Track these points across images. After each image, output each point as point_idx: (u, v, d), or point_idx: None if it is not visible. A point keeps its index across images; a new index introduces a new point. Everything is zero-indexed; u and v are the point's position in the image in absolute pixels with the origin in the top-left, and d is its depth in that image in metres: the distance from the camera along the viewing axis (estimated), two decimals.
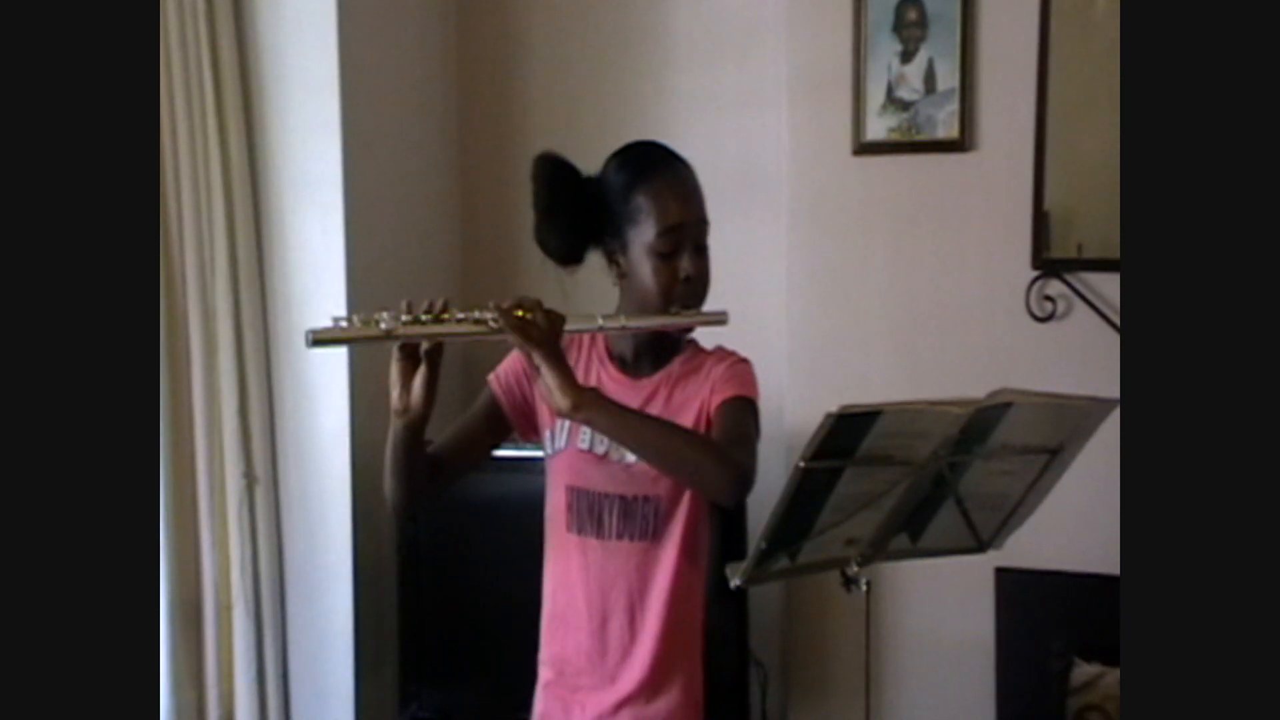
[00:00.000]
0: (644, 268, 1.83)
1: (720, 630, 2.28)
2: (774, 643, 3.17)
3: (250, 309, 2.88)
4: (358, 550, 2.99)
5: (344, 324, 1.71)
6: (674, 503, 1.86)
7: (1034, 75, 2.89)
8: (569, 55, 3.39)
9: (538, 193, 1.87)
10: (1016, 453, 1.81)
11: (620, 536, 1.87)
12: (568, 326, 1.74)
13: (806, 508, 1.74)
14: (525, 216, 1.90)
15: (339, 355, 2.88)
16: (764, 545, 1.76)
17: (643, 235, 1.82)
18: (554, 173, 1.87)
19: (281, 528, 2.98)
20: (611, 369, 1.91)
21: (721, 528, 2.01)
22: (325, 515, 2.98)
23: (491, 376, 1.96)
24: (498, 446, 1.99)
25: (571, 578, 1.91)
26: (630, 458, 1.82)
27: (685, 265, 1.82)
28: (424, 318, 1.71)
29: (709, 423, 1.82)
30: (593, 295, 1.91)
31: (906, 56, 2.99)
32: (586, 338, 1.92)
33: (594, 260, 1.89)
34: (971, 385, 1.85)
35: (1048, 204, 2.91)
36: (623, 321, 1.83)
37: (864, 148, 3.03)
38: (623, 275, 1.87)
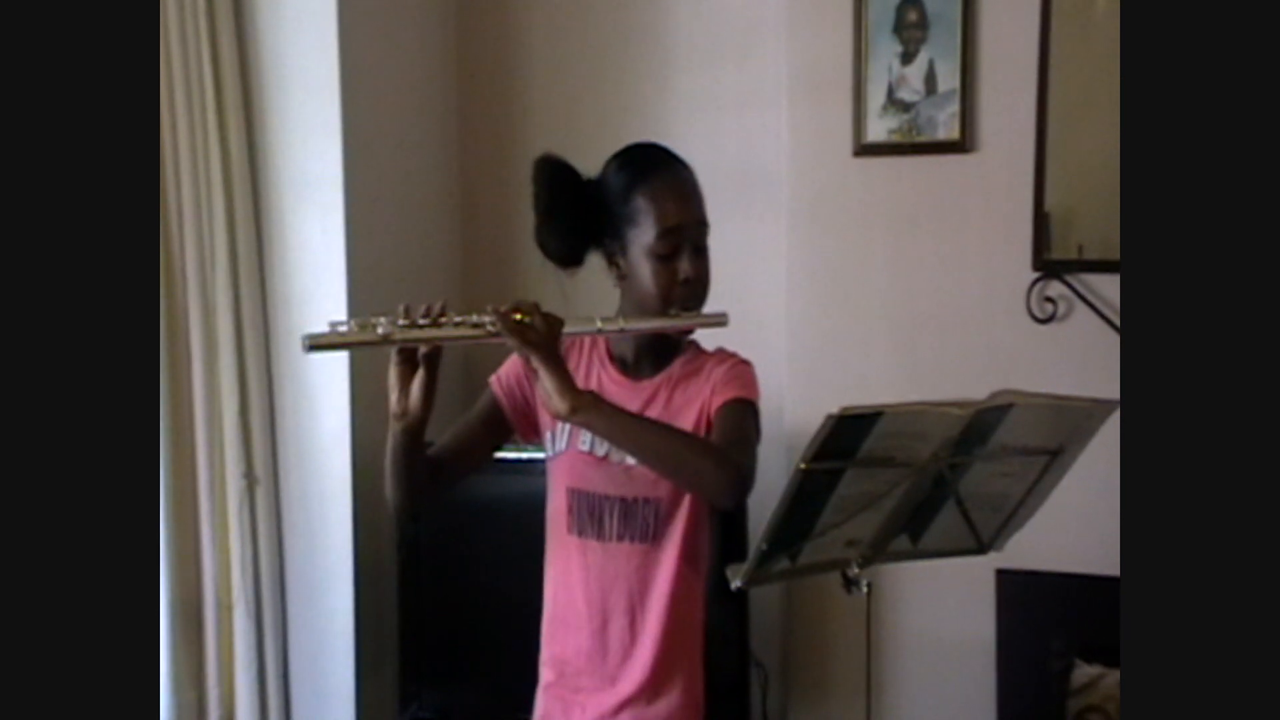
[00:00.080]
0: (643, 269, 1.83)
1: (721, 631, 2.28)
2: (774, 644, 3.17)
3: (250, 309, 2.88)
4: (358, 550, 2.99)
5: (340, 328, 1.71)
6: (674, 505, 1.86)
7: (1034, 76, 2.89)
8: (569, 55, 3.39)
9: (538, 194, 1.86)
10: (1017, 454, 1.81)
11: (620, 538, 1.87)
12: (566, 329, 1.74)
13: (807, 509, 1.74)
14: (525, 217, 1.90)
15: (339, 356, 2.88)
16: (764, 546, 1.76)
17: (642, 237, 1.82)
18: (554, 174, 1.86)
19: (282, 528, 2.98)
20: (612, 371, 1.91)
21: (722, 529, 2.01)
22: (326, 515, 2.98)
23: (493, 378, 1.96)
24: (499, 448, 1.99)
25: (572, 579, 1.91)
26: (630, 460, 1.82)
27: (685, 267, 1.82)
28: (421, 322, 1.71)
29: (709, 424, 1.82)
30: (593, 297, 1.90)
31: (907, 57, 2.99)
32: (587, 340, 1.92)
33: (595, 262, 1.89)
34: (972, 386, 1.84)
35: (1048, 205, 2.91)
36: (621, 324, 1.83)
37: (864, 149, 3.03)
38: (622, 277, 1.87)
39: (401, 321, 1.71)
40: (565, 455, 1.91)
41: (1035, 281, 2.94)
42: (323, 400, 2.96)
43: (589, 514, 1.89)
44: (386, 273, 3.07)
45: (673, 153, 1.89)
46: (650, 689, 1.88)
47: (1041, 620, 2.88)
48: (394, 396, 1.77)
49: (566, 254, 1.87)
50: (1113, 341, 2.84)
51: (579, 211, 1.85)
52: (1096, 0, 2.86)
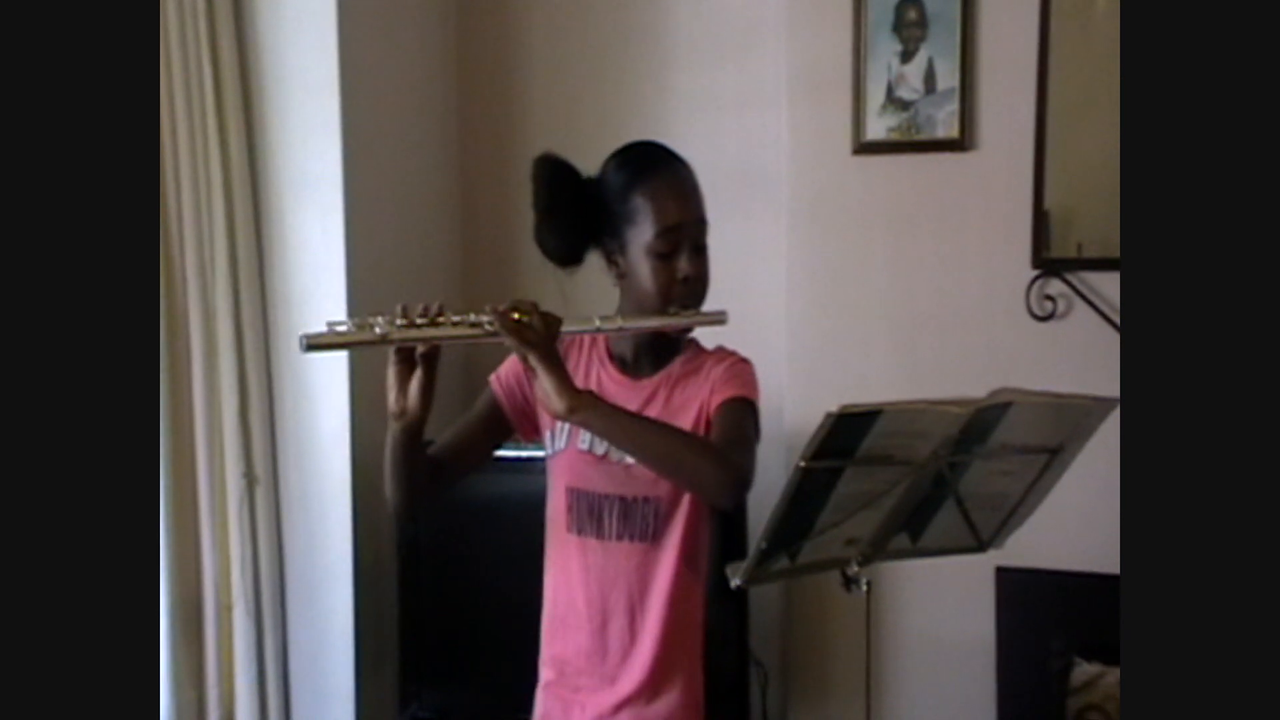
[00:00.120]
0: (642, 268, 1.83)
1: (720, 630, 2.28)
2: (774, 643, 3.17)
3: (250, 309, 2.88)
4: (358, 550, 2.99)
5: (338, 328, 1.71)
6: (674, 504, 1.86)
7: (1034, 75, 2.89)
8: (569, 55, 3.39)
9: (537, 193, 1.86)
10: (1016, 452, 1.81)
11: (620, 537, 1.87)
12: (564, 328, 1.74)
13: (806, 508, 1.74)
14: (525, 217, 1.90)
15: (339, 355, 2.88)
16: (764, 545, 1.76)
17: (641, 235, 1.82)
18: (553, 174, 1.86)
19: (282, 528, 2.98)
20: (612, 370, 1.91)
21: (722, 528, 2.01)
22: (325, 515, 2.98)
23: (493, 377, 1.96)
24: (499, 447, 1.99)
25: (572, 578, 1.91)
26: (630, 459, 1.82)
27: (684, 266, 1.82)
28: (419, 321, 1.71)
29: (708, 423, 1.82)
30: (593, 296, 1.91)
31: (906, 56, 2.99)
32: (587, 339, 1.92)
33: (594, 261, 1.89)
34: (971, 385, 1.84)
35: (1048, 203, 2.91)
36: (620, 323, 1.83)
37: (864, 147, 3.03)
38: (622, 276, 1.87)
39: (399, 321, 1.71)
40: (565, 454, 1.91)
41: (1035, 280, 2.94)
42: (322, 400, 2.96)
43: (588, 513, 1.89)
44: (386, 272, 3.07)
45: (672, 151, 1.89)
46: (650, 688, 1.88)
47: (1041, 618, 2.88)
48: (392, 396, 1.77)
49: (566, 253, 1.87)
50: (1112, 340, 2.84)
51: (578, 210, 1.85)
52: (1096, 0, 2.86)
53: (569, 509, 1.90)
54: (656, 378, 1.89)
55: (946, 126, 2.98)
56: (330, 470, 2.97)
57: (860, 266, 3.08)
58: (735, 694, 2.96)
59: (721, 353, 1.89)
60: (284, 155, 2.93)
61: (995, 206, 2.97)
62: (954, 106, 2.96)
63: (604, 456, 1.86)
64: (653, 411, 1.85)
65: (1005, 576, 2.89)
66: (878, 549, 1.88)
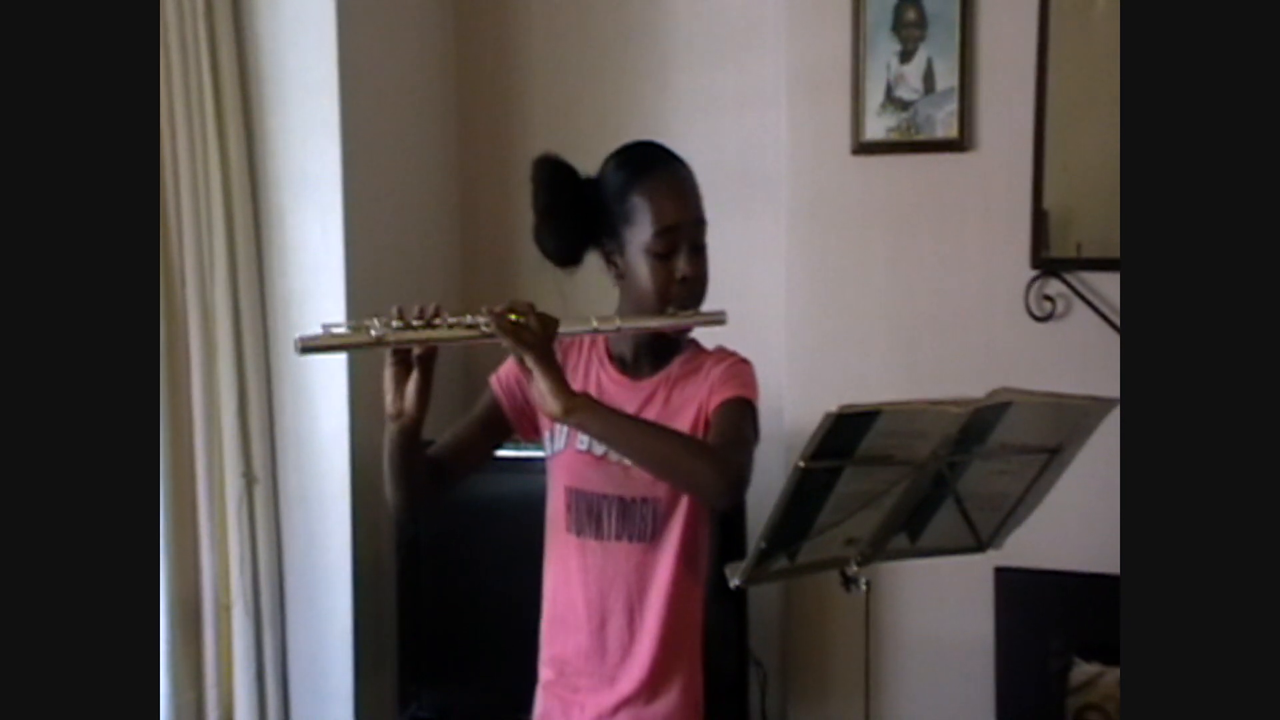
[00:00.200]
0: (641, 268, 1.82)
1: (720, 630, 2.28)
2: (774, 643, 3.17)
3: (249, 309, 2.88)
4: (357, 550, 2.99)
5: (334, 330, 1.71)
6: (673, 504, 1.85)
7: (1033, 75, 2.89)
8: (568, 55, 3.39)
9: (536, 194, 1.86)
10: (1016, 452, 1.81)
11: (619, 537, 1.87)
12: (562, 329, 1.74)
13: (806, 507, 1.74)
14: (525, 217, 1.90)
15: (338, 356, 2.88)
16: (763, 545, 1.76)
17: (639, 236, 1.82)
18: (553, 174, 1.86)
19: (281, 528, 2.98)
20: (611, 370, 1.91)
21: (721, 528, 2.01)
22: (324, 515, 2.98)
23: (493, 378, 1.96)
24: (500, 447, 1.99)
25: (571, 579, 1.91)
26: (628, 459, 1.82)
27: (682, 266, 1.82)
28: (415, 323, 1.71)
29: (707, 424, 1.82)
30: (594, 296, 1.90)
31: (905, 56, 2.99)
32: (587, 339, 1.92)
33: (595, 261, 1.89)
34: (971, 385, 1.84)
35: (1047, 203, 2.91)
36: (617, 323, 1.83)
37: (863, 147, 3.03)
38: (620, 276, 1.87)
39: (395, 323, 1.71)
40: (564, 454, 1.91)
41: (1034, 280, 2.94)
42: (321, 400, 2.95)
43: (587, 513, 1.89)
44: (386, 273, 3.07)
45: (670, 151, 1.89)
46: (649, 688, 1.88)
47: (1040, 618, 2.88)
48: (389, 398, 1.77)
49: (564, 253, 1.87)
50: (1111, 340, 2.84)
51: (577, 211, 1.85)
52: (1096, 0, 2.86)
53: (568, 509, 1.90)
54: (656, 378, 1.89)
55: (946, 126, 2.98)
56: (329, 470, 2.97)
57: (860, 266, 3.08)
58: (735, 694, 2.96)
59: (721, 353, 1.89)
60: (283, 155, 2.93)
61: (994, 206, 2.97)
62: (953, 106, 2.96)
63: (603, 457, 1.86)
64: (652, 412, 1.85)
65: (1004, 576, 2.89)
66: (877, 549, 1.88)
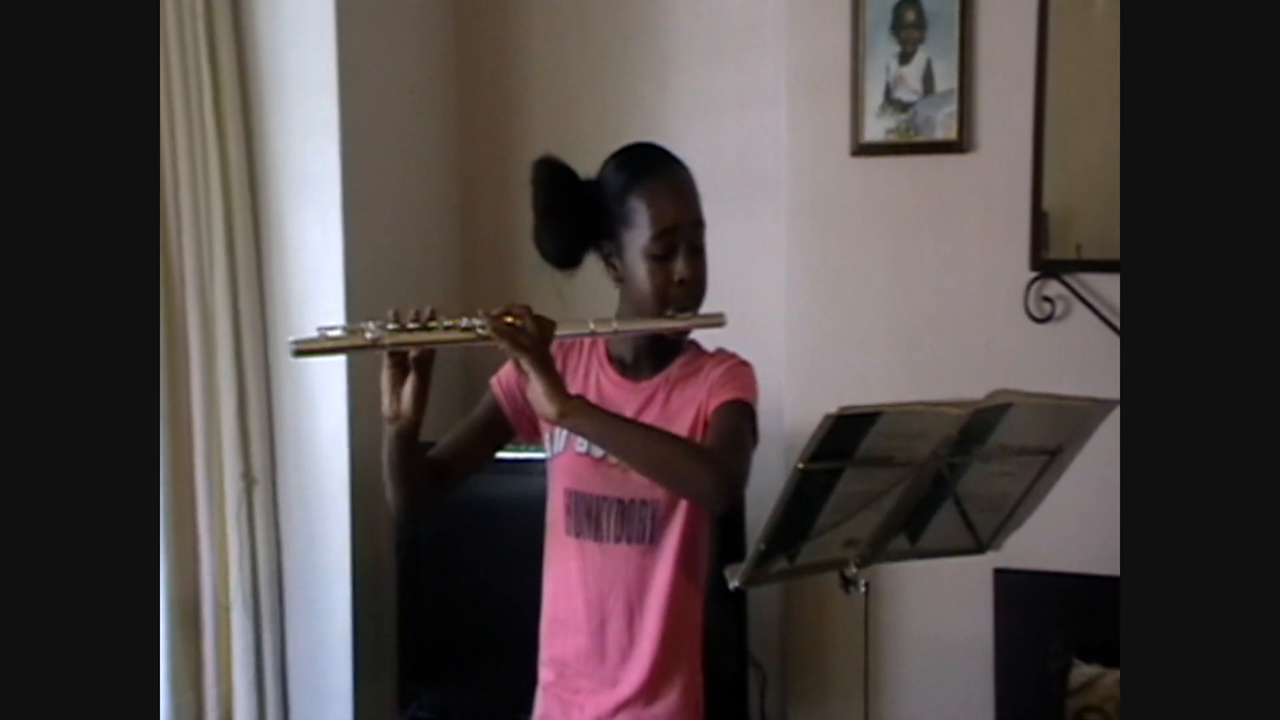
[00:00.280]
0: (639, 270, 1.82)
1: (719, 632, 2.28)
2: (773, 644, 3.17)
3: (249, 310, 2.87)
4: (356, 551, 2.99)
5: (330, 333, 1.71)
6: (671, 506, 1.85)
7: (1032, 76, 2.89)
8: (568, 55, 3.39)
9: (536, 196, 1.86)
10: (1015, 453, 1.82)
11: (618, 540, 1.87)
12: (559, 331, 1.74)
13: (805, 509, 1.74)
14: (524, 217, 1.90)
15: (338, 356, 2.88)
16: (763, 547, 1.76)
17: (637, 238, 1.82)
18: (553, 176, 1.86)
19: (280, 529, 2.97)
20: (611, 372, 1.91)
21: (720, 530, 2.01)
22: (324, 516, 2.98)
23: (493, 380, 1.96)
24: (500, 449, 1.99)
25: (570, 580, 1.91)
26: None
27: (680, 268, 1.82)
28: (411, 326, 1.71)
29: (705, 426, 1.82)
30: (594, 298, 1.90)
31: (905, 57, 2.99)
32: (587, 341, 1.92)
33: (596, 263, 1.89)
34: (970, 386, 1.84)
35: (1046, 205, 2.91)
36: (614, 325, 1.82)
37: (862, 149, 3.03)
38: (620, 279, 1.87)
39: (391, 326, 1.71)
40: (564, 456, 1.91)
41: (1033, 281, 2.94)
42: (321, 401, 2.95)
43: (586, 515, 1.89)
44: (385, 273, 3.07)
45: (669, 152, 1.89)
46: (649, 690, 1.87)
47: (1040, 620, 2.88)
48: (386, 400, 1.77)
49: (564, 255, 1.87)
50: (1111, 341, 2.84)
51: (577, 213, 1.85)
52: (1095, 0, 2.87)
53: (568, 511, 1.90)
54: (655, 380, 1.88)
55: (945, 128, 2.98)
56: (329, 471, 2.97)
57: (859, 268, 3.08)
58: (734, 695, 2.96)
59: (721, 355, 1.89)
60: (282, 156, 2.93)
61: (994, 208, 2.97)
62: (952, 108, 2.96)
63: (602, 459, 1.86)
64: (651, 414, 1.85)
65: (1004, 578, 2.89)
66: (877, 550, 1.88)
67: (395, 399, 1.76)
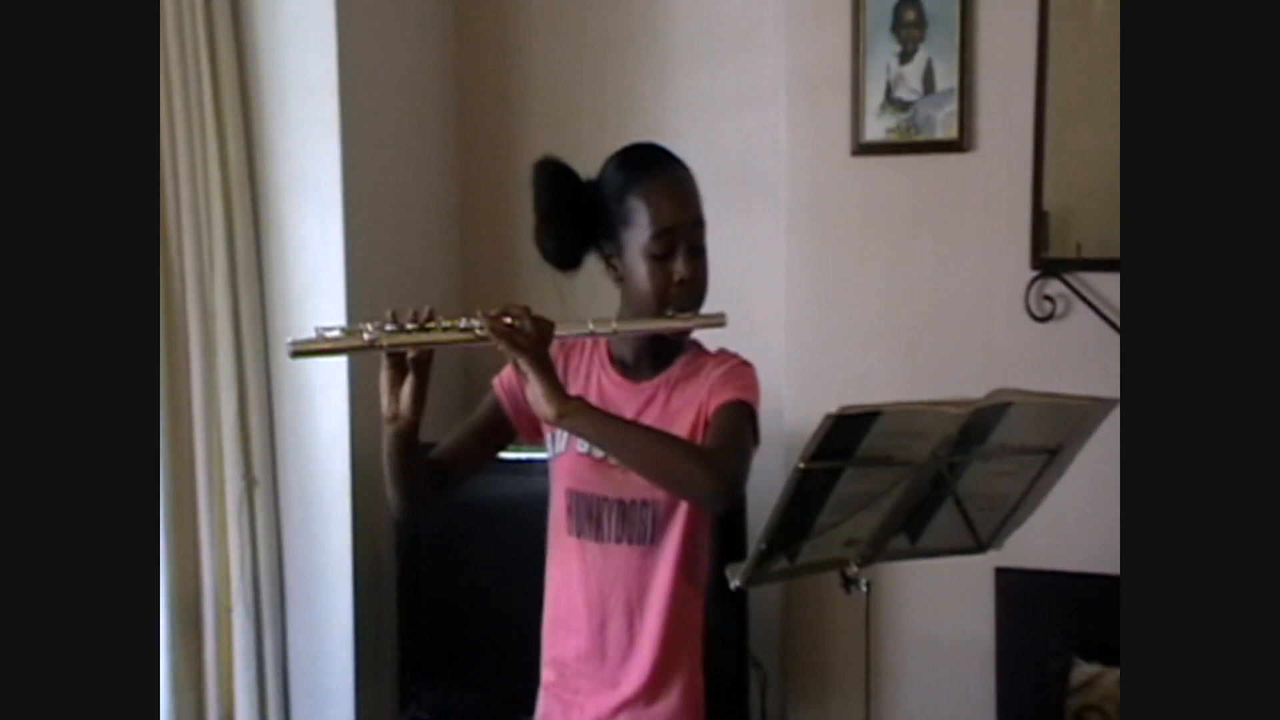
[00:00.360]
0: (639, 270, 1.82)
1: (720, 632, 2.28)
2: (774, 644, 3.17)
3: (249, 311, 2.88)
4: (357, 552, 2.99)
5: (328, 334, 1.71)
6: (672, 507, 1.85)
7: (1032, 75, 2.89)
8: (567, 56, 3.39)
9: (537, 197, 1.86)
10: (1015, 453, 1.82)
11: (619, 540, 1.87)
12: (558, 332, 1.74)
13: (806, 508, 1.74)
14: (524, 218, 1.90)
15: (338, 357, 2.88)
16: (763, 546, 1.76)
17: (637, 238, 1.82)
18: (553, 177, 1.86)
19: (281, 529, 2.98)
20: (612, 373, 1.91)
21: (721, 530, 2.00)
22: (325, 517, 2.98)
23: (495, 380, 1.96)
24: (503, 449, 1.99)
25: (571, 580, 1.91)
26: None
27: (679, 268, 1.81)
28: (409, 327, 1.71)
29: (706, 426, 1.81)
30: (594, 298, 1.90)
31: (905, 57, 2.99)
32: (589, 341, 1.92)
33: (596, 263, 1.89)
34: (970, 385, 1.84)
35: (1046, 204, 2.91)
36: (613, 326, 1.82)
37: (863, 148, 3.03)
38: (620, 279, 1.87)
39: (389, 327, 1.71)
40: (565, 457, 1.91)
41: (1034, 280, 2.94)
42: (321, 402, 2.95)
43: (587, 515, 1.89)
44: (385, 274, 3.07)
45: (669, 152, 1.89)
46: (649, 690, 1.87)
47: (1040, 619, 2.88)
48: (385, 401, 1.77)
49: (564, 256, 1.87)
50: (1111, 340, 2.84)
51: (577, 213, 1.85)
52: (1095, 0, 2.86)
53: (569, 511, 1.90)
54: (656, 380, 1.88)
55: (945, 127, 2.98)
56: (329, 472, 2.97)
57: (859, 267, 3.08)
58: (735, 695, 2.96)
59: (723, 355, 1.89)
60: (283, 157, 2.93)
61: (994, 207, 2.97)
62: (953, 107, 2.96)
63: (602, 460, 1.86)
64: (651, 414, 1.85)
65: (1004, 577, 2.89)
66: (877, 550, 1.88)
67: (394, 399, 1.76)
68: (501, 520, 2.80)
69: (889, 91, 3.00)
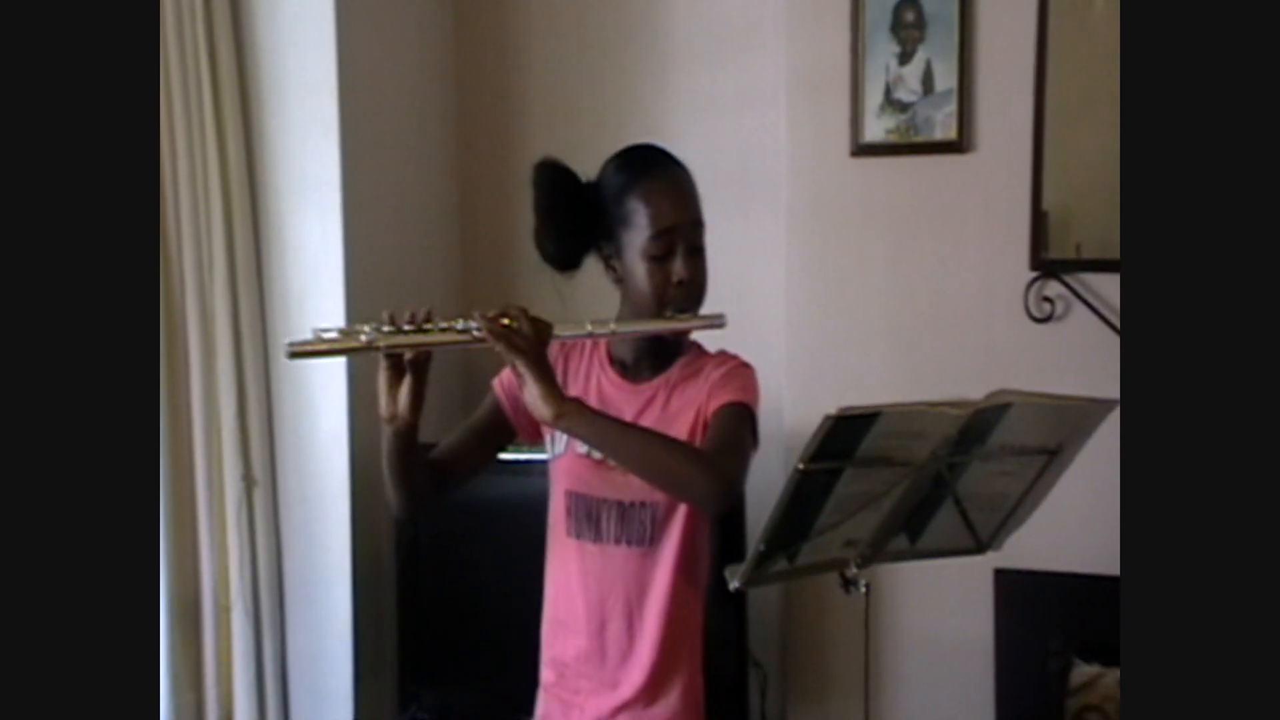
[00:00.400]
0: (638, 271, 1.82)
1: (719, 632, 2.28)
2: (773, 644, 3.17)
3: (249, 311, 2.88)
4: (356, 552, 2.99)
5: (325, 335, 1.71)
6: (671, 509, 1.85)
7: (1032, 76, 2.89)
8: (567, 56, 3.39)
9: (537, 198, 1.86)
10: (1015, 453, 1.82)
11: (618, 541, 1.87)
12: (556, 333, 1.74)
13: (805, 509, 1.74)
14: (524, 219, 1.90)
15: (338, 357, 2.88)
16: (763, 547, 1.76)
17: (636, 238, 1.81)
18: (553, 178, 1.86)
19: (280, 530, 2.98)
20: (612, 374, 1.91)
21: (720, 531, 2.00)
22: (324, 517, 2.98)
23: (495, 381, 1.96)
24: (503, 449, 1.99)
25: (571, 582, 1.91)
26: None
27: (678, 268, 1.81)
28: (406, 328, 1.71)
29: (704, 428, 1.81)
30: (594, 299, 1.90)
31: (904, 57, 2.99)
32: (588, 343, 1.92)
33: (596, 264, 1.89)
34: (970, 386, 1.84)
35: (1046, 204, 2.91)
36: (612, 327, 1.82)
37: (862, 149, 3.03)
38: (619, 280, 1.86)
39: (386, 328, 1.71)
40: (564, 458, 1.91)
41: (1033, 281, 2.94)
42: (321, 402, 2.95)
43: (586, 517, 1.89)
44: (385, 274, 3.07)
45: (668, 153, 1.89)
46: (649, 691, 1.87)
47: (1040, 620, 2.88)
48: (383, 402, 1.77)
49: (564, 257, 1.87)
50: (1111, 341, 2.84)
51: (577, 214, 1.85)
52: (1095, 0, 2.87)
53: (568, 512, 1.90)
54: (655, 381, 1.88)
55: (944, 128, 2.98)
56: (329, 472, 2.97)
57: (859, 268, 3.08)
58: (734, 696, 2.96)
59: (722, 356, 1.89)
60: (282, 157, 2.93)
61: (993, 208, 2.97)
62: (952, 108, 2.96)
63: (602, 461, 1.85)
64: (651, 415, 1.85)
65: (1004, 578, 2.89)
66: (876, 550, 1.88)
67: (392, 400, 1.76)
68: (501, 520, 2.80)
69: (888, 92, 3.00)
